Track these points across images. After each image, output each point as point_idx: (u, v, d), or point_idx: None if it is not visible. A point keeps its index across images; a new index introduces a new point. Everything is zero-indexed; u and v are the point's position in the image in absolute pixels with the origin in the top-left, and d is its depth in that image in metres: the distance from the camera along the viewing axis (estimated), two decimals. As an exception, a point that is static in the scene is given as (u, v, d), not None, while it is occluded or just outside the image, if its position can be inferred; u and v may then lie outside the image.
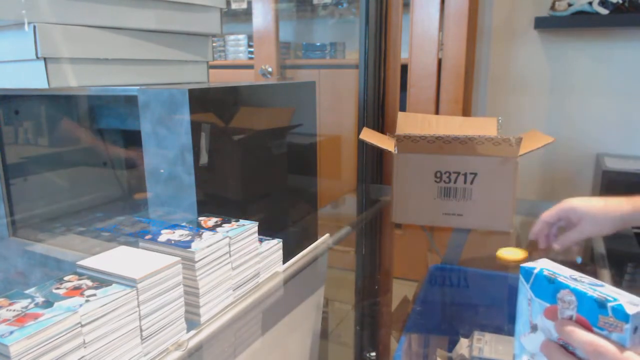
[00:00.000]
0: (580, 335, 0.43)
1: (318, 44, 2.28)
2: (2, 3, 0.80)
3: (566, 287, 0.45)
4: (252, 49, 2.29)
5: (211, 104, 0.85)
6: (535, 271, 0.48)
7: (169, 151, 0.82)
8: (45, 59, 0.84)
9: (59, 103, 1.12)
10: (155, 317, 0.56)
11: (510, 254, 0.91)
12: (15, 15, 0.81)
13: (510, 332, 0.68)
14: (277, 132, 1.06)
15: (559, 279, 0.46)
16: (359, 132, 1.14)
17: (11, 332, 0.43)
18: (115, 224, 1.05)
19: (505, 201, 0.99)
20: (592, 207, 0.78)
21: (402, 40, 1.72)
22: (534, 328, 0.49)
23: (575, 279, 0.45)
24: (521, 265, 0.49)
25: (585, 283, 0.45)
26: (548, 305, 0.47)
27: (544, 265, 0.48)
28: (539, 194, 1.91)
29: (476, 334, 0.67)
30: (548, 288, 0.46)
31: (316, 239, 0.97)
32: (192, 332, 0.62)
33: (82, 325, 0.47)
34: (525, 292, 0.49)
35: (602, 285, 0.44)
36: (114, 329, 0.51)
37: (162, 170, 0.84)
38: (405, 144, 1.02)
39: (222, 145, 0.87)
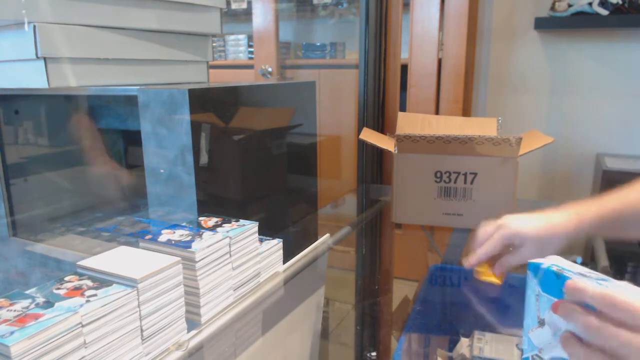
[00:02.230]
0: (592, 290, 0.41)
1: (318, 44, 2.28)
2: (2, 3, 0.80)
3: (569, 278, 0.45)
4: (252, 49, 2.29)
5: (211, 104, 0.85)
6: (544, 266, 0.48)
7: (169, 151, 0.82)
8: (45, 58, 0.84)
9: (59, 103, 1.12)
10: (155, 317, 0.56)
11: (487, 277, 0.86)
12: (15, 15, 0.81)
13: (511, 332, 0.68)
14: (277, 132, 1.06)
15: (566, 274, 0.46)
16: (359, 132, 1.14)
17: (12, 333, 0.43)
18: (115, 224, 1.05)
19: (505, 201, 0.99)
20: (536, 229, 0.70)
21: (402, 40, 1.72)
22: (541, 323, 0.49)
23: (582, 274, 0.46)
24: (529, 261, 0.50)
25: (592, 278, 0.45)
26: (555, 299, 0.47)
27: (552, 261, 0.49)
28: (539, 194, 1.91)
29: (476, 334, 0.67)
30: (556, 283, 0.47)
31: (316, 239, 0.97)
32: (193, 332, 0.62)
33: (83, 326, 0.47)
34: (533, 287, 0.49)
35: (607, 280, 0.44)
36: (115, 329, 0.51)
37: (162, 170, 0.84)
38: (405, 144, 1.02)
39: (222, 145, 0.87)
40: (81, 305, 0.48)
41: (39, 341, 0.43)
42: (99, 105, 1.17)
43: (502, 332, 0.69)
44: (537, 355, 0.50)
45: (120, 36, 0.94)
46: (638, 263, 0.99)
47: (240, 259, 0.69)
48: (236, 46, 2.44)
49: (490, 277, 0.75)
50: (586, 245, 1.05)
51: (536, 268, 0.49)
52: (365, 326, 0.84)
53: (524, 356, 0.51)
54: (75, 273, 0.55)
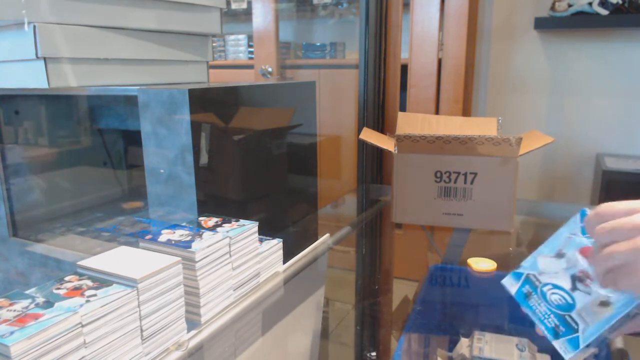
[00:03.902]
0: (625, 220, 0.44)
1: (318, 44, 2.28)
2: (2, 3, 0.80)
3: None
4: (252, 49, 2.29)
5: (211, 104, 0.85)
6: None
7: (169, 151, 0.82)
8: (45, 59, 0.84)
9: (59, 103, 1.12)
10: (155, 317, 0.56)
11: (481, 264, 0.90)
12: (15, 15, 0.81)
13: (511, 332, 0.68)
14: (277, 132, 1.06)
15: None
16: (359, 132, 1.14)
17: (12, 333, 0.43)
18: (115, 224, 1.05)
19: (505, 201, 0.99)
20: None
21: (402, 40, 1.72)
22: (559, 255, 0.52)
23: None
24: (582, 208, 0.52)
25: None
26: (588, 245, 0.51)
27: None
28: (539, 194, 1.91)
29: (476, 334, 0.67)
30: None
31: (316, 239, 0.97)
32: (193, 332, 0.62)
33: (83, 326, 0.47)
34: (573, 227, 0.52)
35: None
36: (115, 329, 0.51)
37: (162, 170, 0.84)
38: (405, 144, 1.02)
39: (222, 145, 0.87)
40: (81, 305, 0.48)
41: (38, 341, 0.43)
42: (99, 105, 1.17)
43: (502, 332, 0.69)
44: (534, 275, 0.53)
45: (120, 36, 0.94)
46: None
47: (240, 259, 0.69)
48: (236, 46, 2.44)
49: (483, 268, 0.85)
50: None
51: (585, 214, 0.51)
52: (365, 326, 0.84)
53: (517, 270, 0.54)
54: (75, 273, 0.55)
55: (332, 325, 0.84)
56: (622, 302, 0.48)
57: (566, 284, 0.52)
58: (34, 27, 0.81)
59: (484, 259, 0.91)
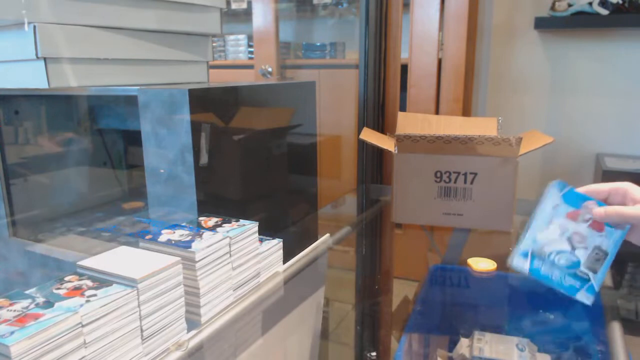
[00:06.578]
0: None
1: (318, 44, 2.28)
2: (2, 3, 0.80)
3: (591, 199, 0.63)
4: (252, 49, 2.29)
5: (211, 104, 0.85)
6: (568, 187, 0.65)
7: (169, 151, 0.82)
8: (45, 59, 0.84)
9: (59, 103, 1.12)
10: (155, 317, 0.56)
11: (481, 264, 0.91)
12: (15, 15, 0.81)
13: (511, 332, 0.68)
14: (277, 132, 1.06)
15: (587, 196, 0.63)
16: (359, 132, 1.14)
17: (12, 333, 0.43)
18: (115, 224, 1.05)
19: (505, 201, 0.99)
20: None
21: (402, 40, 1.72)
22: (552, 225, 0.64)
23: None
24: (555, 181, 0.65)
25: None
26: (572, 209, 0.63)
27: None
28: (539, 194, 1.91)
29: (476, 334, 0.67)
30: (577, 199, 0.64)
31: (316, 239, 0.97)
32: (193, 332, 0.62)
33: (83, 326, 0.47)
34: (554, 198, 0.64)
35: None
36: (115, 329, 0.51)
37: (162, 170, 0.84)
38: (405, 144, 1.02)
39: (222, 145, 0.87)
40: (81, 305, 0.48)
41: (39, 341, 0.43)
42: (99, 105, 1.17)
43: (502, 332, 0.69)
44: (538, 249, 0.63)
45: (120, 36, 0.94)
46: (638, 263, 0.98)
47: (240, 259, 0.69)
48: (236, 46, 2.44)
49: (483, 268, 0.88)
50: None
51: (563, 185, 0.64)
52: (365, 326, 0.84)
53: (523, 250, 0.63)
54: (75, 273, 0.55)
55: (332, 325, 0.84)
56: (611, 245, 0.62)
57: (566, 247, 0.63)
58: (34, 27, 0.81)
59: (484, 259, 0.91)
